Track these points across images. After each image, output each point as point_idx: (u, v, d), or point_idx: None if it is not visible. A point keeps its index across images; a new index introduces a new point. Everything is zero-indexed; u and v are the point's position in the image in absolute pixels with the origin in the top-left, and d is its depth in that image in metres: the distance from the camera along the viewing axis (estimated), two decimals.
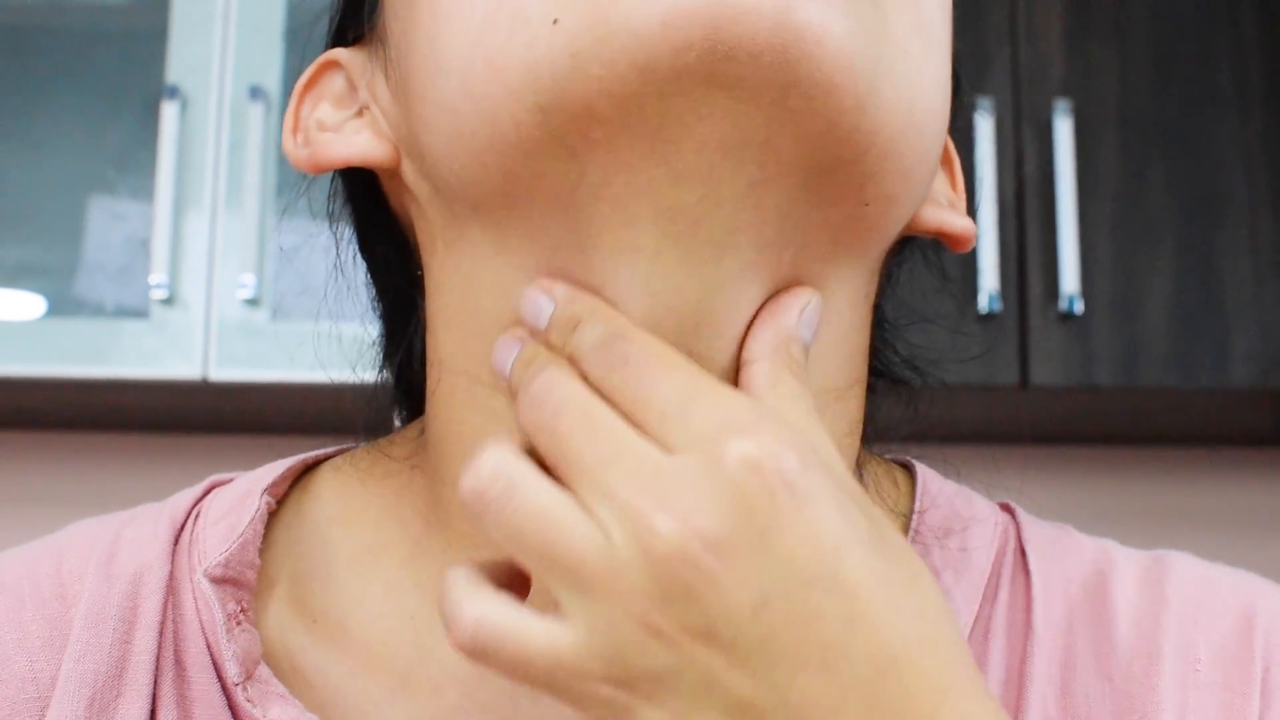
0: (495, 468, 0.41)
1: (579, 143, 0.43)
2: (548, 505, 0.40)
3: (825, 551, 0.39)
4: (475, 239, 0.47)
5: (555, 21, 0.42)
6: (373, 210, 0.56)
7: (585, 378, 0.43)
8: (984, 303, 1.59)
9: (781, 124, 0.42)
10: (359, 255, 0.59)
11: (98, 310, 1.68)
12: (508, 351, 0.45)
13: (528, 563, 0.41)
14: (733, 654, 0.39)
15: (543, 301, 0.45)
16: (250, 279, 1.60)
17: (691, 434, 0.40)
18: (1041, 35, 1.67)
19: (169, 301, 1.62)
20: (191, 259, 1.63)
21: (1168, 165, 1.65)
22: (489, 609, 0.41)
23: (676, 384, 0.42)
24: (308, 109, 0.54)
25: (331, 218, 0.58)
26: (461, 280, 0.48)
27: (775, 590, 0.38)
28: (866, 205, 0.45)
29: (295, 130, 0.54)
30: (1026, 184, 1.63)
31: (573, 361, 0.43)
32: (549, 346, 0.44)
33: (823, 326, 0.47)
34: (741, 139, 0.42)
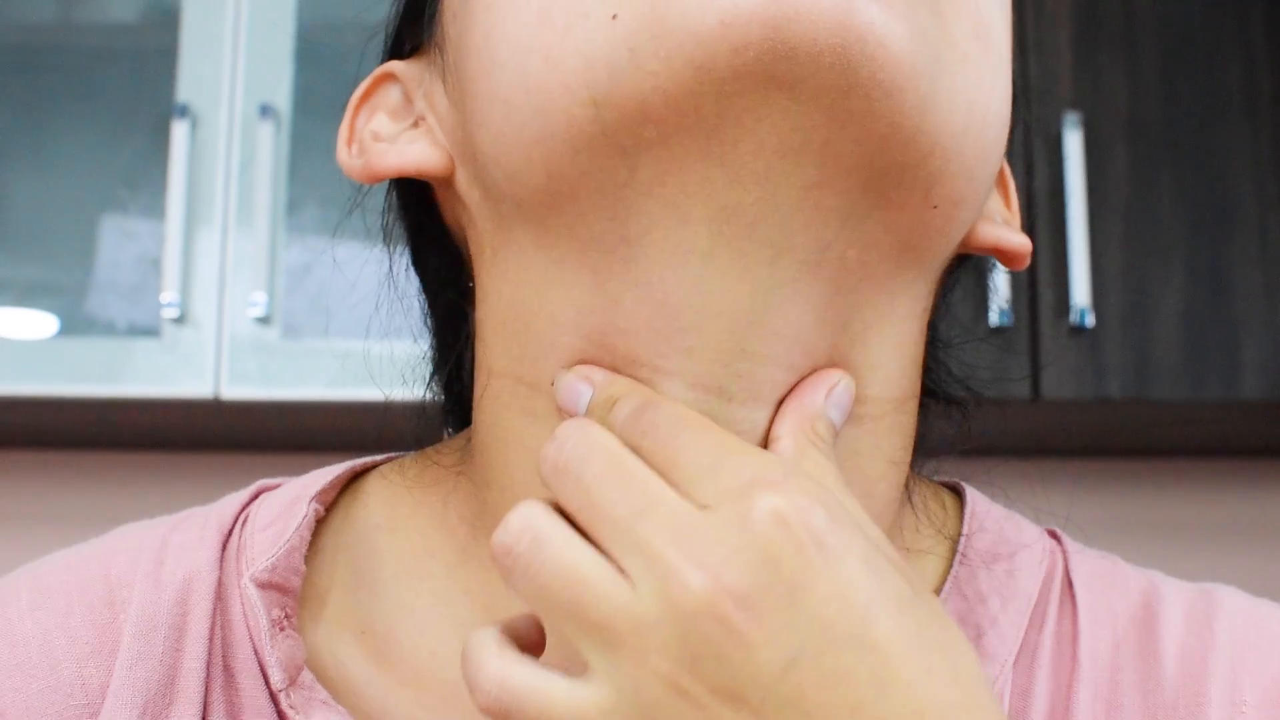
0: (523, 523, 0.41)
1: (631, 141, 0.42)
2: (575, 561, 0.40)
3: (855, 610, 0.38)
4: (521, 241, 0.47)
5: (614, 17, 0.41)
6: (426, 224, 0.56)
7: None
8: (995, 316, 1.59)
9: (842, 126, 0.41)
10: (411, 269, 0.58)
11: (109, 329, 1.68)
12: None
13: (555, 620, 0.40)
14: (761, 716, 0.38)
15: (581, 388, 0.45)
16: (261, 297, 1.61)
17: (721, 490, 0.40)
18: (1050, 48, 1.67)
19: (180, 320, 1.62)
20: (202, 277, 1.63)
21: (1178, 177, 1.65)
22: (511, 670, 0.41)
23: (706, 446, 0.41)
24: (363, 120, 0.54)
25: (385, 232, 0.58)
26: (509, 284, 0.48)
27: (805, 650, 0.38)
28: (935, 208, 0.45)
29: (350, 141, 0.53)
30: (1037, 197, 1.63)
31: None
32: None
33: (885, 333, 0.47)
34: (801, 141, 0.42)
